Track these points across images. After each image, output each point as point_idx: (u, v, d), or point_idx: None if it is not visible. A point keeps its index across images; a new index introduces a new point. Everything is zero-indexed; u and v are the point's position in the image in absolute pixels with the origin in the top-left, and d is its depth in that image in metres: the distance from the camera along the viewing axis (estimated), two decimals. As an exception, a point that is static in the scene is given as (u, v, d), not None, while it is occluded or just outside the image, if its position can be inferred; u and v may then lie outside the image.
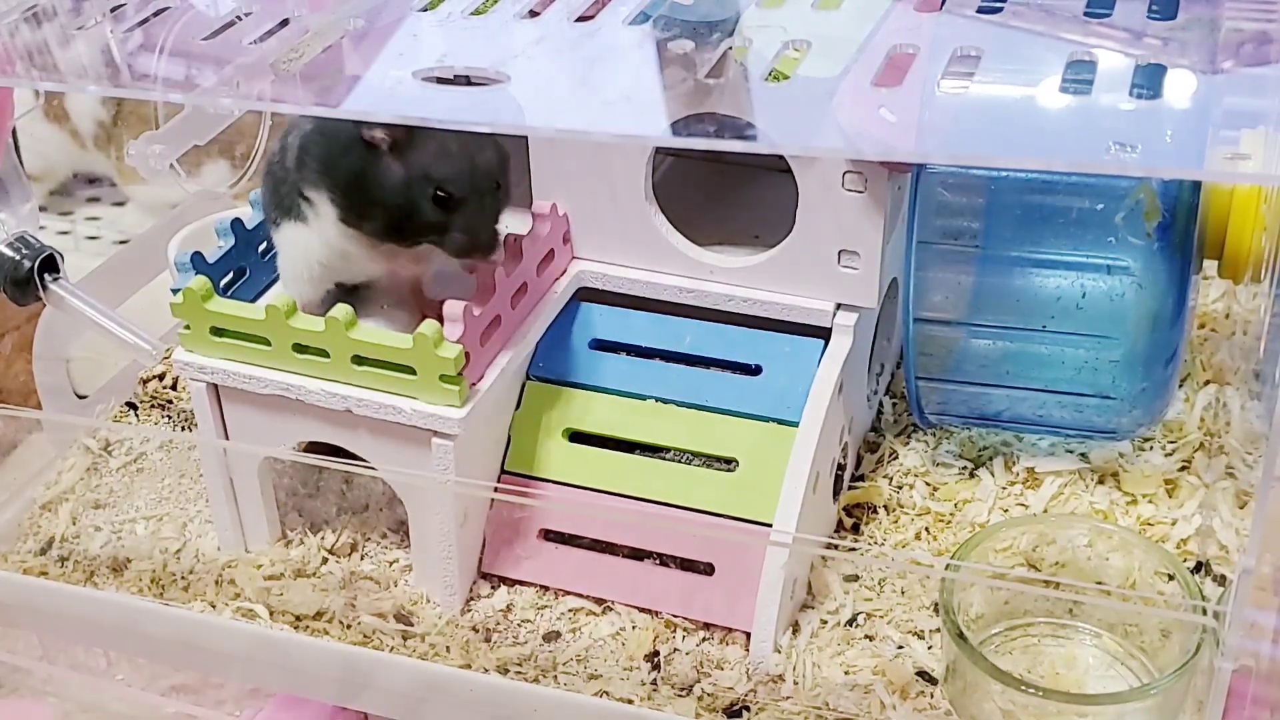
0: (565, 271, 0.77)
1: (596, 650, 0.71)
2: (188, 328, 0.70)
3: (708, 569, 0.71)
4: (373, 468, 0.71)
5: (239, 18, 0.64)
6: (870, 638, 0.70)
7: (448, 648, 0.70)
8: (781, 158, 0.75)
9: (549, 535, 0.73)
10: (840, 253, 0.72)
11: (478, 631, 0.72)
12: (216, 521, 0.77)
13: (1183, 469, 0.79)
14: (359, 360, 0.68)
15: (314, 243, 0.71)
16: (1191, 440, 0.80)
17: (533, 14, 0.62)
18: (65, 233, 1.28)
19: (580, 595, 0.73)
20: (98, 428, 0.87)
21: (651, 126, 0.54)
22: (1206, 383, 0.85)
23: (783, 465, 0.69)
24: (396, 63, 0.59)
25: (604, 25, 0.61)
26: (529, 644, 0.71)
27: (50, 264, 0.83)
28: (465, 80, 0.57)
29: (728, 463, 0.72)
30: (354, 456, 0.71)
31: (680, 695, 0.68)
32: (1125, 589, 0.69)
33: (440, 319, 0.67)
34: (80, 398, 0.91)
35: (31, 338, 0.89)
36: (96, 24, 0.65)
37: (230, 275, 0.74)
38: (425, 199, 0.67)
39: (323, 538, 0.77)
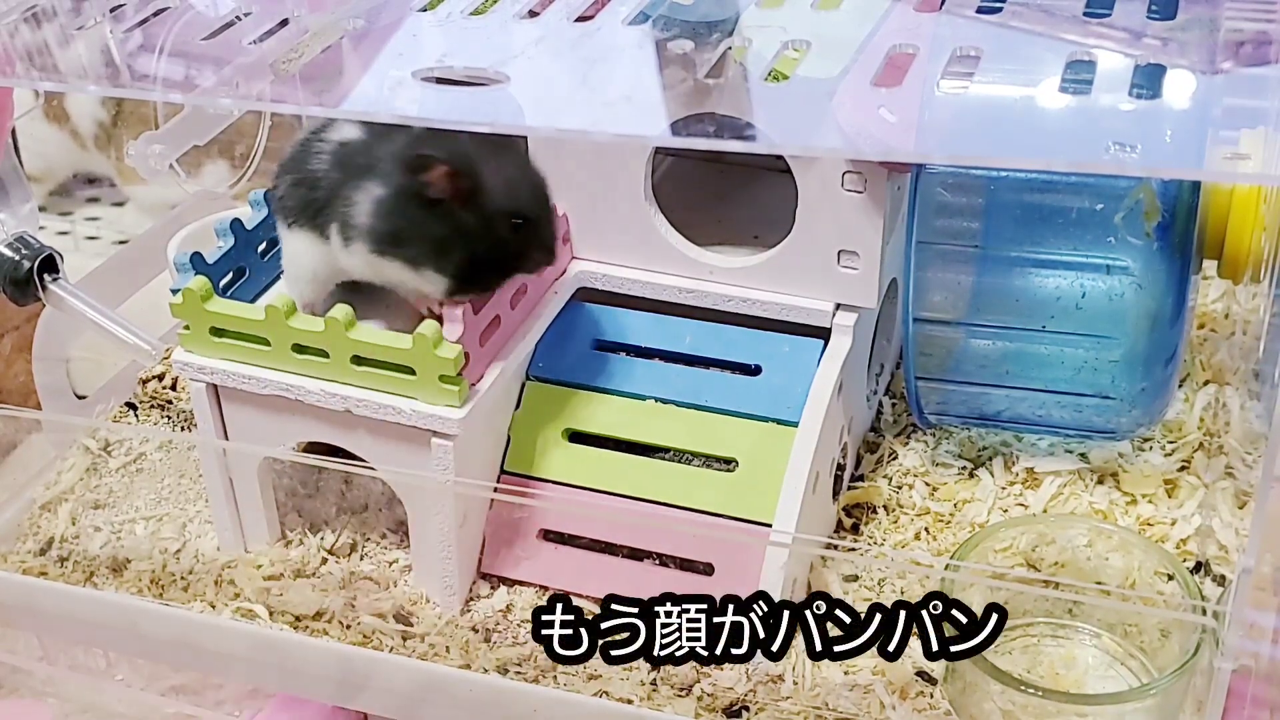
0: (565, 272, 0.77)
1: (596, 650, 0.70)
2: (187, 328, 0.70)
3: (707, 569, 0.71)
4: (372, 468, 0.71)
5: (239, 18, 0.64)
6: (870, 638, 0.70)
7: (447, 648, 0.70)
8: (781, 158, 0.75)
9: (549, 535, 0.73)
10: (840, 253, 0.72)
11: (477, 631, 0.72)
12: (216, 522, 0.77)
13: (1182, 469, 0.79)
14: (358, 360, 0.68)
15: (328, 258, 0.71)
16: (1191, 440, 0.80)
17: (533, 14, 0.62)
18: (65, 233, 1.28)
19: (580, 595, 0.73)
20: (98, 428, 0.87)
21: (651, 126, 0.54)
22: (1206, 383, 0.85)
23: (782, 465, 0.69)
24: (396, 63, 0.59)
25: (604, 25, 0.61)
26: (529, 644, 0.70)
27: (50, 264, 0.83)
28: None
29: (727, 463, 0.72)
30: (354, 457, 0.71)
31: (680, 695, 0.68)
32: (1125, 589, 0.69)
33: (439, 317, 0.67)
34: (80, 398, 0.91)
35: (31, 338, 0.89)
36: (96, 24, 0.65)
37: (230, 275, 0.74)
38: (505, 232, 0.67)
39: (322, 538, 0.77)
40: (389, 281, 0.70)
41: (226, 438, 0.74)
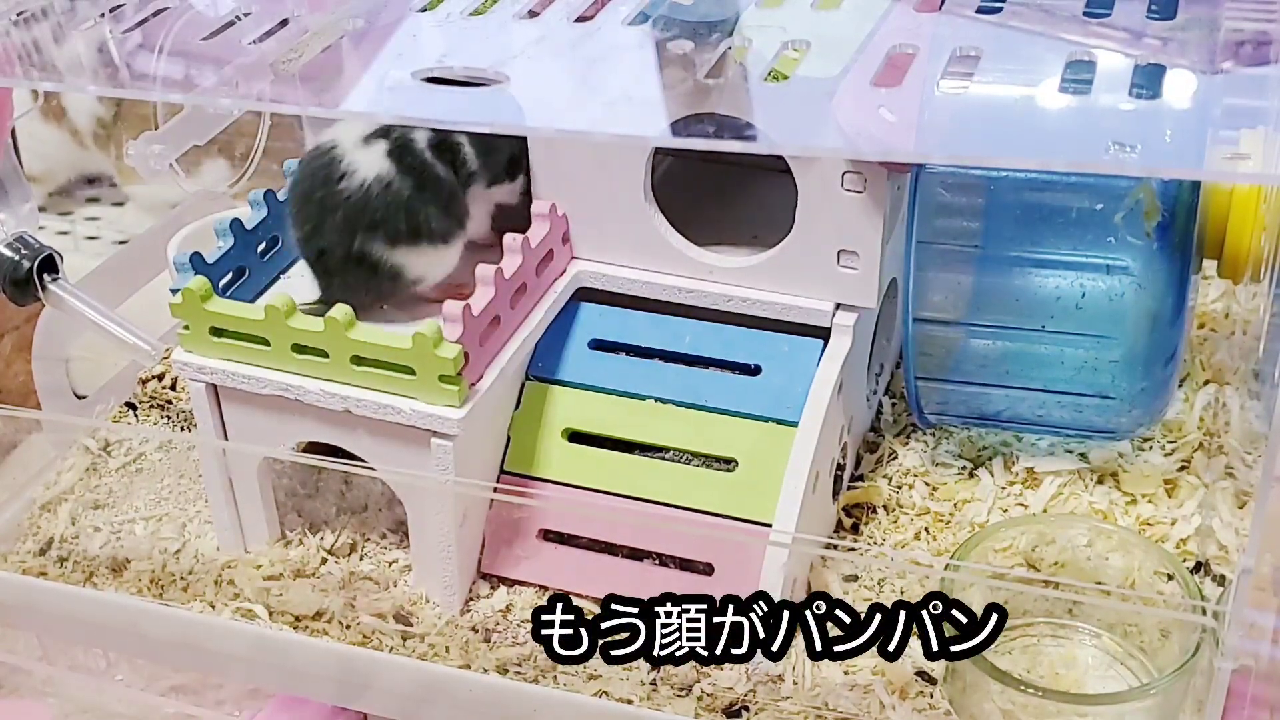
0: (564, 271, 0.76)
1: (596, 650, 0.70)
2: (187, 328, 0.70)
3: (707, 569, 0.71)
4: (372, 468, 0.71)
5: (239, 18, 0.64)
6: (870, 638, 0.70)
7: (447, 648, 0.70)
8: (781, 158, 0.75)
9: (548, 535, 0.73)
10: (839, 253, 0.72)
11: (477, 631, 0.72)
12: (216, 522, 0.77)
13: (1182, 469, 0.79)
14: (358, 360, 0.68)
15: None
16: (1191, 440, 0.80)
17: (532, 14, 0.62)
18: (65, 233, 1.28)
19: (580, 595, 0.73)
20: (97, 428, 0.87)
21: (651, 126, 0.54)
22: (1206, 383, 0.85)
23: (782, 465, 0.69)
24: (396, 63, 0.59)
25: (604, 25, 0.61)
26: (529, 644, 0.71)
27: (49, 264, 0.83)
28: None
29: (727, 463, 0.72)
30: (354, 457, 0.71)
31: (680, 695, 0.68)
32: (1125, 589, 0.69)
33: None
34: (80, 398, 0.91)
35: (31, 338, 0.89)
36: (95, 24, 0.65)
37: (230, 275, 0.74)
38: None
39: (322, 538, 0.77)
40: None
41: (226, 438, 0.74)
